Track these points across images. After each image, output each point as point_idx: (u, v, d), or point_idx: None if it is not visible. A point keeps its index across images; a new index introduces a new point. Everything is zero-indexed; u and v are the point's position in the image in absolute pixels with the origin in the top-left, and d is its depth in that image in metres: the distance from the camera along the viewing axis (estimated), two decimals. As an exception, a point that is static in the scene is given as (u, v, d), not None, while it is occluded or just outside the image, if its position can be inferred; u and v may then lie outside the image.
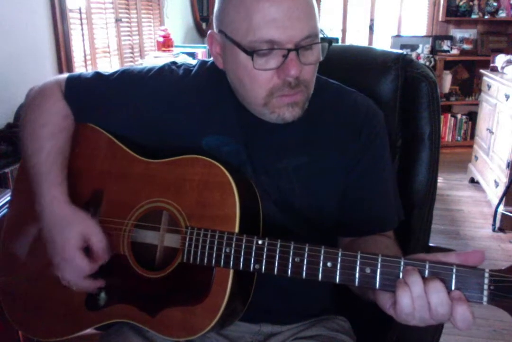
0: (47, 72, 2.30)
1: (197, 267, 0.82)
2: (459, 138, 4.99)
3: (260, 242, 0.77)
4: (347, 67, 1.11)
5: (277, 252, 0.75)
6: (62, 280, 0.89)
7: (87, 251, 0.88)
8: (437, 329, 1.03)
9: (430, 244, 1.11)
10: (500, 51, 4.27)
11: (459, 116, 4.94)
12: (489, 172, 3.44)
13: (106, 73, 0.99)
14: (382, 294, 0.70)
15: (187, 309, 0.82)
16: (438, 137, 1.07)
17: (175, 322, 0.82)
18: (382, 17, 5.09)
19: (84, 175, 0.96)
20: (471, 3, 4.68)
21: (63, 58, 2.39)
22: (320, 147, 0.92)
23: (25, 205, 0.99)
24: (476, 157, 3.77)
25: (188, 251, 0.82)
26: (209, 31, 0.89)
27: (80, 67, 2.58)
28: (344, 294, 0.95)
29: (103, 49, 2.90)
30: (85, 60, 2.64)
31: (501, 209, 3.08)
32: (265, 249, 0.76)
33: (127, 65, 3.18)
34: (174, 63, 1.00)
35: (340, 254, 0.71)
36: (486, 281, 0.64)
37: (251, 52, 0.79)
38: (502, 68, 3.56)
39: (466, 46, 4.82)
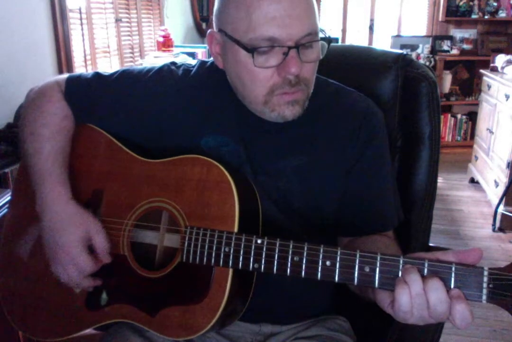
0: (47, 72, 2.30)
1: (196, 266, 0.82)
2: (459, 138, 4.99)
3: (259, 241, 0.77)
4: (347, 67, 1.11)
5: (276, 251, 0.75)
6: (62, 278, 0.89)
7: (90, 250, 0.88)
8: (437, 329, 1.03)
9: (430, 244, 1.11)
10: (500, 51, 4.28)
11: (459, 116, 4.94)
12: (489, 172, 3.44)
13: (106, 74, 0.99)
14: (381, 293, 0.70)
15: (187, 309, 0.82)
16: (438, 137, 1.07)
17: (175, 322, 0.82)
18: (382, 17, 5.08)
19: (84, 175, 0.96)
20: (471, 3, 4.68)
21: (63, 58, 2.39)
22: (319, 148, 0.92)
23: (25, 205, 0.99)
24: (476, 157, 3.77)
25: (188, 250, 0.82)
26: (208, 31, 0.89)
27: (80, 67, 2.58)
28: (344, 294, 0.95)
29: (103, 49, 2.90)
30: (85, 60, 2.64)
31: (501, 209, 3.08)
32: (264, 248, 0.76)
33: (127, 65, 3.18)
34: (173, 63, 1.00)
35: (339, 253, 0.71)
36: (485, 279, 0.64)
37: (251, 50, 0.79)
38: (502, 68, 3.56)
39: (466, 46, 4.82)
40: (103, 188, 0.94)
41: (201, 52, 3.50)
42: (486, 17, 4.67)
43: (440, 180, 3.79)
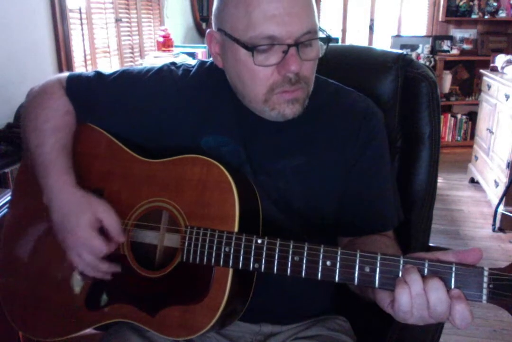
0: (47, 72, 2.30)
1: (196, 266, 0.82)
2: (459, 138, 4.99)
3: (259, 241, 0.77)
4: (347, 67, 1.11)
5: (277, 251, 0.75)
6: (79, 265, 0.87)
7: (102, 232, 0.87)
8: (437, 329, 1.03)
9: (430, 244, 1.11)
10: (500, 51, 4.28)
11: (459, 116, 4.94)
12: (489, 172, 3.44)
13: (107, 73, 0.99)
14: (381, 293, 0.70)
15: (187, 309, 0.82)
16: (438, 137, 1.07)
17: (175, 322, 0.82)
18: (382, 17, 5.08)
19: (84, 175, 0.96)
20: (471, 3, 4.68)
21: (63, 58, 2.39)
22: (319, 148, 0.92)
23: (25, 205, 0.99)
24: (476, 157, 3.77)
25: (188, 250, 0.82)
26: (208, 30, 0.89)
27: (80, 67, 2.58)
28: (344, 294, 0.95)
29: (103, 49, 2.91)
30: (85, 60, 2.64)
31: (501, 209, 3.08)
32: (265, 248, 0.76)
33: (127, 65, 3.18)
34: (173, 63, 1.01)
35: (339, 253, 0.71)
36: (485, 279, 0.64)
37: (251, 48, 0.80)
38: (502, 68, 3.56)
39: (466, 46, 4.82)
40: (103, 188, 0.94)
41: (201, 52, 3.50)
42: (486, 17, 4.67)
43: (440, 180, 3.79)
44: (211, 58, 0.95)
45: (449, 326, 0.76)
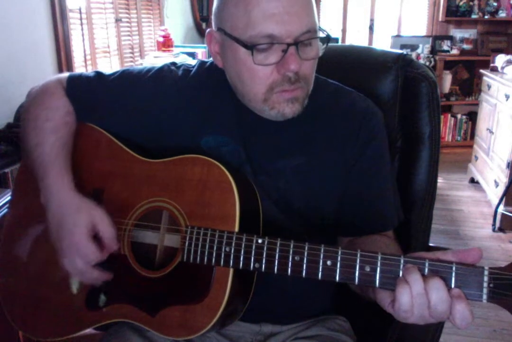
0: (47, 72, 2.30)
1: (197, 266, 0.82)
2: (459, 138, 4.99)
3: (260, 241, 0.77)
4: (347, 67, 1.11)
5: (277, 250, 0.75)
6: (70, 270, 0.87)
7: (96, 239, 0.87)
8: (437, 328, 1.03)
9: (430, 244, 1.11)
10: (500, 51, 4.28)
11: (459, 116, 4.94)
12: (489, 172, 3.44)
13: (107, 73, 0.99)
14: (381, 292, 0.70)
15: (187, 308, 0.82)
16: (438, 137, 1.07)
17: (175, 322, 0.82)
18: (382, 17, 5.08)
19: (84, 175, 0.96)
20: (471, 3, 4.68)
21: (63, 58, 2.39)
22: (319, 148, 0.92)
23: (26, 205, 0.99)
24: (476, 157, 3.77)
25: (188, 250, 0.82)
26: (207, 30, 0.89)
27: (80, 67, 2.58)
28: (344, 294, 0.95)
29: (103, 49, 2.91)
30: (85, 60, 2.64)
31: (501, 209, 3.08)
32: (265, 248, 0.76)
33: (127, 65, 3.18)
34: (173, 63, 1.01)
35: (340, 253, 0.71)
36: (485, 278, 0.64)
37: (250, 47, 0.80)
38: (502, 68, 3.56)
39: (466, 46, 4.82)
40: (104, 188, 0.94)
41: (201, 52, 3.50)
42: (486, 17, 4.67)
43: (440, 180, 3.79)
44: (211, 58, 0.95)
45: (449, 326, 0.76)
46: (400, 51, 1.12)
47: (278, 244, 0.75)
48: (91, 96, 0.97)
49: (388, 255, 0.69)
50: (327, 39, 0.85)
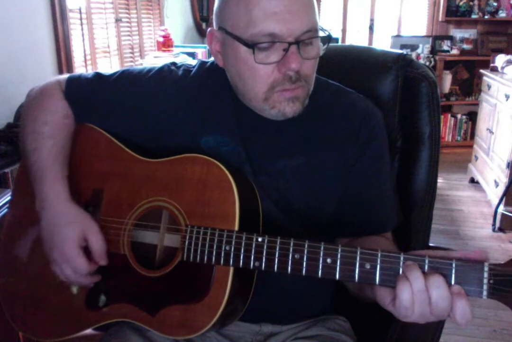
0: (47, 72, 2.30)
1: (197, 265, 0.82)
2: (459, 138, 4.99)
3: (259, 239, 0.77)
4: (347, 67, 1.11)
5: (277, 249, 0.75)
6: (60, 277, 0.90)
7: (87, 251, 0.88)
8: (437, 328, 1.03)
9: (430, 244, 1.11)
10: (500, 51, 4.28)
11: (459, 116, 4.94)
12: (489, 172, 3.44)
13: (106, 74, 0.99)
14: (381, 290, 0.70)
15: (187, 308, 0.82)
16: (438, 137, 1.07)
17: (175, 321, 0.82)
18: (382, 17, 5.08)
19: (84, 175, 0.96)
20: (471, 3, 4.68)
21: (63, 58, 2.39)
22: (319, 148, 0.92)
23: (25, 205, 0.99)
24: (476, 157, 3.77)
25: (188, 249, 0.82)
26: (208, 29, 0.89)
27: (80, 67, 2.58)
28: (344, 294, 0.95)
29: (103, 49, 2.91)
30: (85, 60, 2.64)
31: (501, 209, 3.08)
32: (265, 246, 0.76)
33: (127, 65, 3.18)
34: (173, 63, 1.01)
35: (339, 250, 0.71)
36: (485, 275, 0.64)
37: (252, 46, 0.80)
38: (502, 68, 3.56)
39: (466, 46, 4.82)
40: (103, 188, 0.94)
41: (201, 52, 3.50)
42: (486, 17, 4.67)
43: (440, 180, 3.79)
44: (211, 58, 0.95)
45: (449, 326, 0.76)
46: (400, 51, 1.12)
47: (278, 242, 0.76)
48: (91, 97, 0.97)
49: (388, 252, 0.69)
50: (328, 39, 0.85)
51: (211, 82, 0.95)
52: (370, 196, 0.94)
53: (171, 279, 0.84)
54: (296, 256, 0.74)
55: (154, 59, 3.04)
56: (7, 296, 1.00)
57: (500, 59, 3.64)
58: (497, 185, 3.22)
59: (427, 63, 4.54)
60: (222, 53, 0.88)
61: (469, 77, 4.97)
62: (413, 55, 4.56)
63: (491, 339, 2.09)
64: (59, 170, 0.92)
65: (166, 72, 0.97)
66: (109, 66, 2.97)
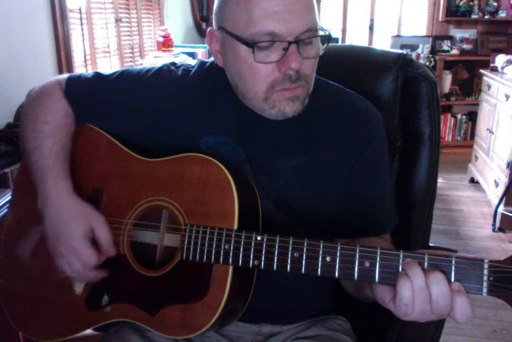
0: (47, 72, 2.30)
1: (196, 264, 0.82)
2: (459, 138, 4.99)
3: (259, 238, 0.77)
4: (347, 67, 1.11)
5: (276, 247, 0.75)
6: (67, 272, 0.88)
7: (93, 243, 0.88)
8: (437, 328, 1.03)
9: (430, 244, 1.11)
10: (500, 51, 4.28)
11: (459, 116, 4.94)
12: (489, 172, 3.44)
13: (106, 74, 0.99)
14: (381, 288, 0.70)
15: (187, 307, 0.82)
16: (438, 137, 1.07)
17: (175, 320, 0.82)
18: (382, 17, 5.08)
19: (84, 175, 0.96)
20: (471, 3, 4.68)
21: (63, 58, 2.39)
22: (318, 148, 0.92)
23: (26, 205, 0.99)
24: (476, 157, 3.77)
25: (188, 248, 0.82)
26: (208, 29, 0.89)
27: (80, 67, 2.58)
28: (344, 294, 0.95)
29: (103, 49, 2.91)
30: (85, 60, 2.64)
31: (501, 209, 3.08)
32: (264, 245, 0.76)
33: (127, 65, 3.18)
34: (173, 63, 1.01)
35: (339, 248, 0.71)
36: (485, 272, 0.64)
37: (251, 45, 0.80)
38: (502, 68, 3.56)
39: (466, 46, 4.82)
40: (103, 187, 0.94)
41: (201, 52, 3.50)
42: (486, 17, 4.67)
43: (440, 180, 3.79)
44: (211, 58, 0.95)
45: (449, 326, 0.76)
46: (400, 51, 1.12)
47: (277, 241, 0.76)
48: (90, 97, 0.97)
49: (387, 250, 0.69)
50: (328, 38, 0.85)
51: (210, 82, 0.95)
52: (370, 196, 0.94)
53: (171, 278, 0.84)
54: (295, 254, 0.74)
55: (154, 59, 3.04)
56: (7, 296, 1.00)
57: (500, 59, 3.64)
58: (497, 185, 3.22)
59: (427, 63, 4.54)
60: (222, 53, 0.88)
61: (469, 77, 4.97)
62: (413, 55, 4.56)
63: (491, 339, 2.09)
64: (61, 168, 0.92)
65: (166, 72, 0.98)
66: (109, 66, 2.97)
